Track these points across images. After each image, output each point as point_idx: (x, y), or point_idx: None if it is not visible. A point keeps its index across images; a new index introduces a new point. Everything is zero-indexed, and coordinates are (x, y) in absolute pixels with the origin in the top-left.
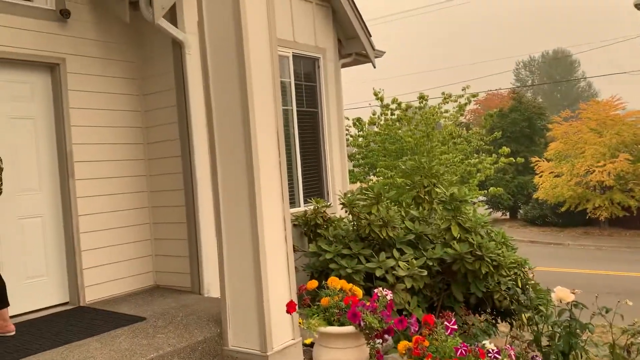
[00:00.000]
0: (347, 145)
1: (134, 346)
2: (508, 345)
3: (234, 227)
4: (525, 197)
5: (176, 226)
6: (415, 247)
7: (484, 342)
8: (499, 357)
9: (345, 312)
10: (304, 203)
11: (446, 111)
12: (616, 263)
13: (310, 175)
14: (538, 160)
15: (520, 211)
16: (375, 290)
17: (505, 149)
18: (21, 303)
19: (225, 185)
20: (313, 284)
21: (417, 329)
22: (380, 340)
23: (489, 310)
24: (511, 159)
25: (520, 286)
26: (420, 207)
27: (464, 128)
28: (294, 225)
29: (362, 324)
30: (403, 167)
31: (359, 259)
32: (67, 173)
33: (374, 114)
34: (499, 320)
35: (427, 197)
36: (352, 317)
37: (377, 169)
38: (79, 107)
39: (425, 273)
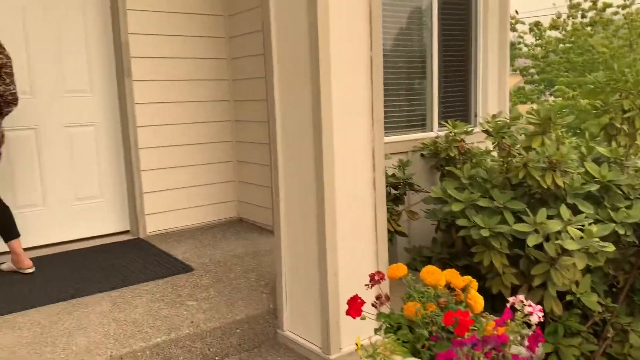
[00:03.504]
0: (520, 57)
1: (146, 317)
2: None
3: (292, 156)
4: None
5: (260, 147)
6: (599, 203)
7: None
8: None
9: (443, 340)
10: (439, 127)
11: None
12: None
13: (452, 88)
14: None
15: None
16: (508, 305)
17: None
18: (68, 229)
19: (283, 85)
20: (398, 269)
21: None
22: None
23: None
24: None
25: None
26: (614, 142)
27: None
28: (422, 155)
29: None
30: (593, 80)
31: (504, 216)
32: (122, 71)
33: (557, 17)
34: None
35: (626, 128)
36: None
37: (556, 87)
38: None
39: (611, 248)
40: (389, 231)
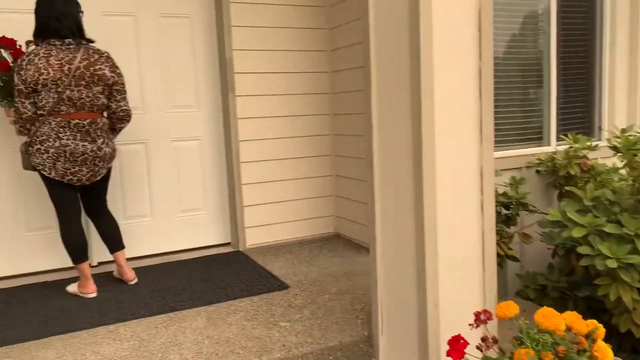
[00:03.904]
0: None
1: (239, 337)
2: None
3: (389, 174)
4: None
5: (359, 162)
6: None
7: None
8: None
9: None
10: (557, 141)
11: None
12: None
13: (572, 98)
14: None
15: None
16: None
17: None
18: (172, 240)
19: (381, 99)
20: (508, 309)
21: None
22: None
23: None
24: None
25: None
26: None
27: None
28: (537, 172)
29: None
30: None
31: (635, 245)
32: (227, 87)
33: None
34: None
35: None
36: None
37: None
38: (241, 1)
39: None
40: (498, 255)
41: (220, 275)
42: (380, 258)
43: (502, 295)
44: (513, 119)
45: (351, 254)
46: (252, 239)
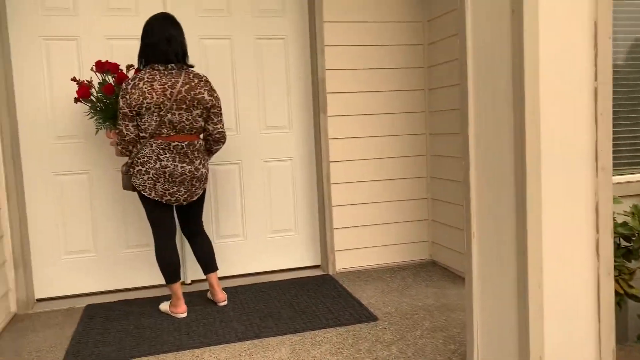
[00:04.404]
0: None
1: None
2: None
3: (488, 202)
4: None
5: (457, 185)
6: None
7: None
8: None
9: None
10: None
11: None
12: None
13: None
14: None
15: None
16: None
17: None
18: (263, 260)
19: (479, 120)
20: None
21: None
22: None
23: None
24: None
25: None
26: None
27: None
28: None
29: None
30: None
31: None
32: (318, 107)
33: None
34: None
35: None
36: None
37: None
38: (334, 20)
39: None
40: (617, 294)
41: (307, 301)
42: (477, 297)
43: (621, 340)
44: (636, 138)
45: (447, 285)
46: (342, 262)
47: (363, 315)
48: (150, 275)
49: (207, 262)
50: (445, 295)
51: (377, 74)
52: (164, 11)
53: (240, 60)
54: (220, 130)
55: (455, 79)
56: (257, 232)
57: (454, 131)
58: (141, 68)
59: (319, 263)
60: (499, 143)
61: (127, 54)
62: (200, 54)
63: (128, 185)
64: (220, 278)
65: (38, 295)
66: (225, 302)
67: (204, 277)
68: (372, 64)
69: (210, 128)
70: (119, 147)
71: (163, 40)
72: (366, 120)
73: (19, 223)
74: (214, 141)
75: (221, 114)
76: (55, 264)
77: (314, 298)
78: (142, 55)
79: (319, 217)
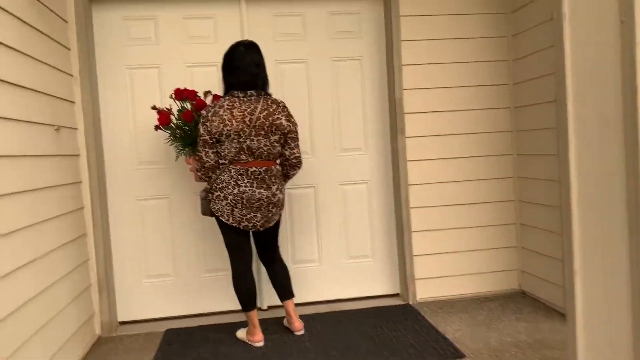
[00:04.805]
0: None
1: None
2: None
3: (593, 231)
4: None
5: (549, 209)
6: None
7: None
8: None
9: None
10: None
11: None
12: None
13: None
14: None
15: None
16: None
17: None
18: (339, 287)
19: (581, 142)
20: None
21: None
22: None
23: None
24: None
25: None
26: None
27: None
28: None
29: None
30: None
31: None
32: (395, 128)
33: None
34: None
35: None
36: None
37: None
38: (411, 38)
39: None
40: None
41: (387, 333)
42: (582, 339)
43: None
44: None
45: (539, 318)
46: (423, 291)
47: (448, 351)
48: (227, 300)
49: (284, 289)
50: (538, 330)
51: (457, 92)
52: (247, 39)
53: (316, 83)
54: (297, 155)
55: (545, 95)
56: (333, 258)
57: (546, 152)
58: (223, 95)
59: (398, 291)
60: (606, 167)
61: (206, 80)
62: (277, 78)
63: (207, 210)
64: (296, 304)
65: (121, 318)
66: (302, 332)
67: (280, 303)
68: (452, 82)
69: (287, 153)
70: (199, 173)
71: (248, 68)
72: (447, 141)
73: (103, 247)
74: (290, 166)
75: (298, 138)
76: (136, 287)
77: (394, 330)
78: (226, 82)
79: (398, 243)
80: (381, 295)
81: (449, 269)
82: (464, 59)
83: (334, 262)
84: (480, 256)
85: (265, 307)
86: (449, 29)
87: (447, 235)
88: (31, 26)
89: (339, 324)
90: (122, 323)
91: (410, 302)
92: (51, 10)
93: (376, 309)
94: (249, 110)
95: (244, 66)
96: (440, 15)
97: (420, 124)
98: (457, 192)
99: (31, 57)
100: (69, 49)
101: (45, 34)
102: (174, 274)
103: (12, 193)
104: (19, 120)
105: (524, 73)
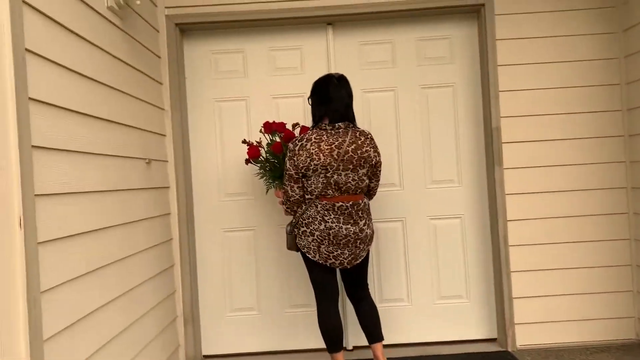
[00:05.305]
0: None
1: None
2: None
3: None
4: None
5: None
6: None
7: None
8: None
9: None
10: None
11: None
12: None
13: None
14: None
15: None
16: None
17: None
18: (429, 329)
19: None
20: None
21: None
22: None
23: None
24: None
25: None
26: None
27: None
28: None
29: None
30: None
31: None
32: (492, 159)
33: None
34: None
35: None
36: None
37: None
38: (509, 63)
39: None
40: None
41: None
42: None
43: None
44: None
45: None
46: (524, 338)
47: None
48: (311, 337)
49: (373, 330)
50: None
51: (562, 120)
52: (334, 71)
53: (405, 111)
54: (376, 187)
55: None
56: (423, 297)
57: None
58: (311, 127)
59: (495, 336)
60: None
61: (292, 111)
62: (364, 107)
63: (292, 245)
64: (384, 346)
65: (205, 352)
66: None
67: (367, 344)
68: (556, 108)
69: (372, 184)
70: (284, 207)
71: (342, 100)
72: (550, 173)
73: (189, 279)
74: (368, 197)
75: (381, 170)
76: (221, 320)
77: None
78: (316, 113)
79: (495, 284)
80: (476, 339)
81: (554, 313)
82: (568, 84)
83: (424, 301)
84: (590, 300)
85: (350, 347)
86: (549, 52)
87: (551, 276)
88: (126, 63)
89: None
90: (207, 357)
91: (510, 349)
92: (145, 47)
93: (471, 354)
94: (336, 143)
95: (337, 97)
96: (540, 38)
97: (520, 154)
98: (561, 228)
99: (125, 93)
100: (161, 84)
101: (139, 70)
102: (257, 308)
103: (110, 227)
104: (114, 156)
105: None
